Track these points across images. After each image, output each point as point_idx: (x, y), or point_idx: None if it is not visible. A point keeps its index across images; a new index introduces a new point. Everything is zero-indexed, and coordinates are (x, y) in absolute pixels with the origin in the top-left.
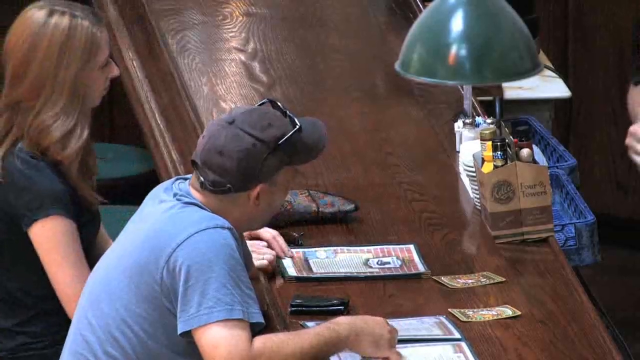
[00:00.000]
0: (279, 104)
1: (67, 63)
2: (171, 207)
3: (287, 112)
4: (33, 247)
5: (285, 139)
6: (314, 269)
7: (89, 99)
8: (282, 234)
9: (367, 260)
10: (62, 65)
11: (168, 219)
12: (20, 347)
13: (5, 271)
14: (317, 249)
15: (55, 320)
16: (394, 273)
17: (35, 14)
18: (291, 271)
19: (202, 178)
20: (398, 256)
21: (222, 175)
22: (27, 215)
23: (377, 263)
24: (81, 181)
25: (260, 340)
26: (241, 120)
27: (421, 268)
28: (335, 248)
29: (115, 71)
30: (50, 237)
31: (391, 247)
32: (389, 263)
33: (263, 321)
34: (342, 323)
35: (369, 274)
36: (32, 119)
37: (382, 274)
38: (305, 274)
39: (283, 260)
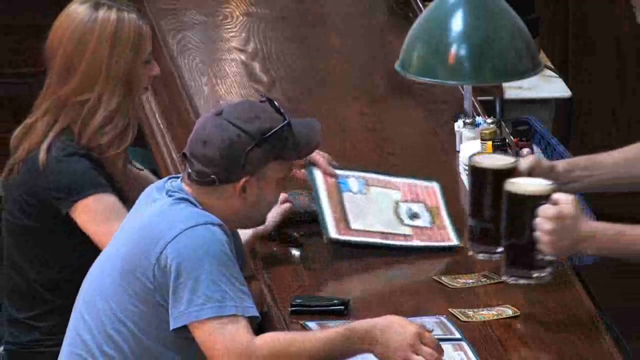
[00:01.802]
0: (275, 102)
1: (118, 56)
2: (162, 204)
3: (281, 109)
4: (59, 238)
5: (272, 132)
6: (351, 221)
7: (137, 95)
8: (281, 234)
9: (397, 203)
10: (113, 58)
11: (158, 216)
12: (32, 343)
13: (28, 261)
14: (348, 173)
15: (68, 318)
16: (428, 244)
17: (80, 8)
18: (332, 231)
19: (189, 169)
20: (426, 204)
21: (206, 165)
22: (66, 199)
23: (407, 213)
24: (123, 174)
25: (264, 338)
26: (228, 112)
27: (453, 237)
28: (366, 177)
29: (155, 69)
30: (97, 211)
31: (417, 186)
32: (418, 216)
33: (258, 315)
34: (357, 330)
35: (404, 244)
36: (87, 117)
37: (419, 243)
38: (342, 234)
39: (325, 215)
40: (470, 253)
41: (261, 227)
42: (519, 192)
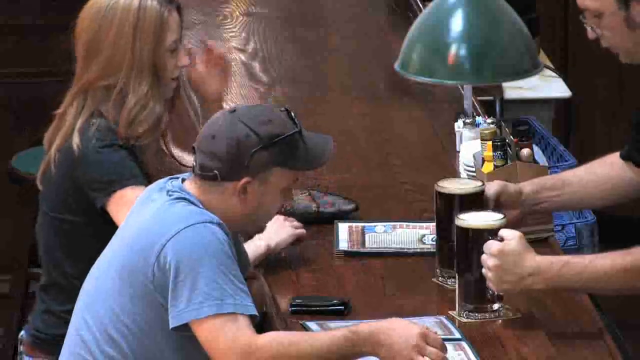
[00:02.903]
0: (292, 113)
1: (142, 42)
2: (161, 203)
3: (296, 120)
4: (96, 231)
5: (281, 138)
6: (367, 244)
7: (167, 84)
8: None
9: (423, 236)
10: (136, 45)
11: (157, 215)
12: (63, 337)
13: (66, 256)
14: (377, 223)
15: None
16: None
17: None
18: (343, 244)
19: (194, 162)
20: None
21: (210, 160)
22: (103, 190)
23: (432, 240)
24: (154, 162)
25: (267, 337)
26: (242, 112)
27: None
28: (394, 223)
29: (183, 60)
30: (133, 203)
31: None
32: None
33: (257, 314)
34: (361, 333)
35: (418, 250)
36: (118, 104)
37: (432, 250)
38: (355, 248)
39: (339, 231)
40: (441, 279)
41: (272, 245)
42: (467, 228)
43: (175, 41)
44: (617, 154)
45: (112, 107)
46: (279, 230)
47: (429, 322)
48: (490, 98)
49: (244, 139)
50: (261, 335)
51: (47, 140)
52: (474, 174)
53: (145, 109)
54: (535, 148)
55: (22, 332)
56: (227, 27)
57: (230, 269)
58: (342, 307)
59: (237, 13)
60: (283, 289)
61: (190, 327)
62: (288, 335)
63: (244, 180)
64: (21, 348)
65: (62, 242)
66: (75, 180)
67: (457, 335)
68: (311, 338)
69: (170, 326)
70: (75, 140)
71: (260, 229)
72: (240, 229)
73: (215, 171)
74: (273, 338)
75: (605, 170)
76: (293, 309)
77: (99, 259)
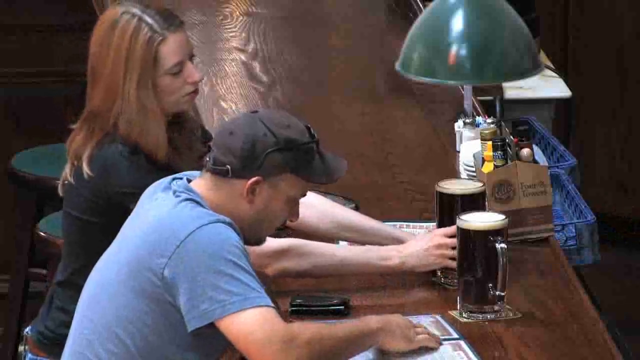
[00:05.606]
0: (311, 128)
1: (131, 70)
2: (169, 204)
3: (315, 134)
4: (111, 234)
5: (297, 145)
6: None
7: (166, 105)
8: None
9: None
10: (127, 71)
11: (168, 215)
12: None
13: (85, 254)
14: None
15: None
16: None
17: (110, 12)
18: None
19: (207, 157)
20: None
21: (224, 154)
22: (134, 194)
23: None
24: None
25: (299, 324)
26: (263, 113)
27: None
28: (394, 223)
29: (193, 77)
30: None
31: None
32: None
33: (273, 305)
34: (371, 318)
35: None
36: (115, 128)
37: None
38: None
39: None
40: (443, 280)
41: None
42: (469, 229)
43: (176, 64)
44: None
45: (113, 131)
46: None
47: (426, 322)
48: (490, 98)
49: (260, 138)
50: (293, 324)
51: (67, 149)
52: (474, 174)
53: (148, 134)
54: (535, 148)
55: (27, 329)
56: (227, 27)
57: (245, 263)
58: (342, 307)
59: (237, 13)
60: (283, 289)
61: (216, 325)
62: (310, 322)
63: (254, 179)
64: (25, 346)
65: (83, 241)
66: (104, 189)
67: (455, 334)
68: (330, 325)
69: (193, 327)
70: (85, 168)
71: (260, 240)
72: (243, 233)
73: (228, 166)
74: (305, 323)
75: None
76: (293, 308)
77: (102, 257)
